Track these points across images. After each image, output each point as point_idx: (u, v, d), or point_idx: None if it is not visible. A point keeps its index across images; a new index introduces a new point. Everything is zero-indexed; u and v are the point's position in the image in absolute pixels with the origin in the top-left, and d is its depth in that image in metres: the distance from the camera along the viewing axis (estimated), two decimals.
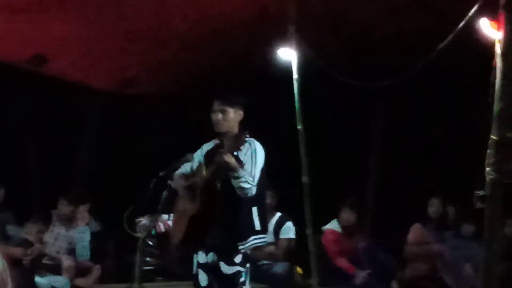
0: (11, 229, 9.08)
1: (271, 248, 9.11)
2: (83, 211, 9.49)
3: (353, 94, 9.33)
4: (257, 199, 5.94)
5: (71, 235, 9.08)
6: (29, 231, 8.75)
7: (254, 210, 5.93)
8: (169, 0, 7.97)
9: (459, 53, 7.57)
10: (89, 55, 9.11)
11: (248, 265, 6.00)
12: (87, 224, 9.43)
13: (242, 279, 5.93)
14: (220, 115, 6.01)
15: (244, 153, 5.89)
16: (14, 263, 7.90)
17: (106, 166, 11.02)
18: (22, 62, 8.97)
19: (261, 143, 6.04)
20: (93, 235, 9.43)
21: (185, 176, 6.16)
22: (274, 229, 9.18)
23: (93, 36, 8.60)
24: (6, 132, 10.39)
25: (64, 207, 9.06)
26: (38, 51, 8.82)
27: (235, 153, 5.79)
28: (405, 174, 10.82)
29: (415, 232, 9.41)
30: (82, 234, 9.15)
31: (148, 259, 9.17)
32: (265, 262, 9.11)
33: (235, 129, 6.05)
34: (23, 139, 10.96)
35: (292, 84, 8.36)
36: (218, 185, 5.86)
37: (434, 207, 9.34)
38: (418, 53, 7.31)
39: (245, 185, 5.76)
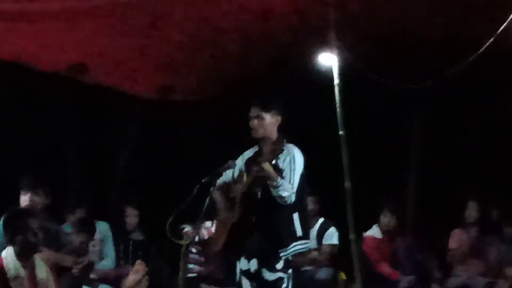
0: (63, 238, 9.08)
1: (315, 253, 9.08)
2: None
3: (393, 97, 9.28)
4: (298, 205, 5.94)
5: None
6: (74, 239, 8.75)
7: (295, 216, 5.93)
8: (205, 8, 7.98)
9: (500, 54, 7.50)
10: (128, 63, 9.15)
11: (290, 271, 6.00)
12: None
13: (284, 285, 5.95)
14: (256, 121, 6.03)
15: (282, 160, 5.90)
16: (63, 271, 7.93)
17: (147, 173, 11.05)
18: (62, 70, 9.02)
19: (303, 148, 6.03)
20: (137, 243, 9.47)
21: (227, 184, 6.17)
22: (317, 234, 9.14)
23: (132, 44, 8.64)
24: (47, 139, 10.48)
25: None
26: (77, 59, 8.88)
27: (273, 161, 5.80)
28: (446, 176, 10.71)
29: (455, 237, 9.31)
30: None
31: (191, 266, 9.19)
32: (308, 268, 9.09)
33: (273, 134, 6.06)
34: (63, 147, 11.02)
35: (333, 89, 8.32)
36: (259, 193, 5.87)
37: (470, 210, 9.24)
38: (459, 54, 7.25)
39: (284, 193, 5.77)
